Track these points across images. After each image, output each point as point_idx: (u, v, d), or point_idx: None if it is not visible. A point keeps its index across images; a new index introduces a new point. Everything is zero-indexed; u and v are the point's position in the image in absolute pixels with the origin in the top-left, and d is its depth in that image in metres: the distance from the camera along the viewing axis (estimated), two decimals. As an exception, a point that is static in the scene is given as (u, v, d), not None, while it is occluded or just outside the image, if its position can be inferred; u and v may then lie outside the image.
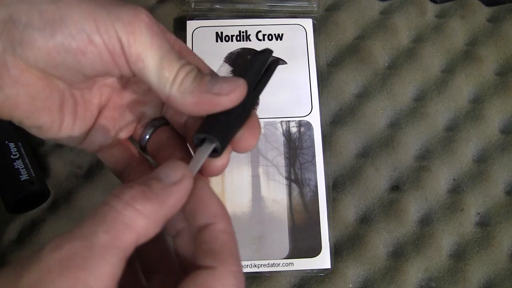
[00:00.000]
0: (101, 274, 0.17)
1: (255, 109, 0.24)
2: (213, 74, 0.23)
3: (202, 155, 0.22)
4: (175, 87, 0.22)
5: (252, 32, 0.41)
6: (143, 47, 0.21)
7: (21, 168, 0.36)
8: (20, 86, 0.21)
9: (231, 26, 0.41)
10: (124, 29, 0.20)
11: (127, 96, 0.26)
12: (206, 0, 0.43)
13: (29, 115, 0.22)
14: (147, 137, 0.26)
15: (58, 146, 0.39)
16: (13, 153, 0.36)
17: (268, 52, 0.25)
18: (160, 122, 0.26)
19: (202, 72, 0.23)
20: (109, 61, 0.21)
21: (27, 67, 0.21)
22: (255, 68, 0.24)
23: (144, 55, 0.21)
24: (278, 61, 0.26)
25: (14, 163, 0.36)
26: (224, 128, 0.22)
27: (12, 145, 0.36)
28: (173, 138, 0.26)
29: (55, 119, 0.23)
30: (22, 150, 0.37)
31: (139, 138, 0.26)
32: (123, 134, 0.26)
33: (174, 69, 0.22)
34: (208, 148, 0.22)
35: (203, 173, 0.23)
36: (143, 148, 0.26)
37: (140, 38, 0.21)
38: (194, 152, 0.24)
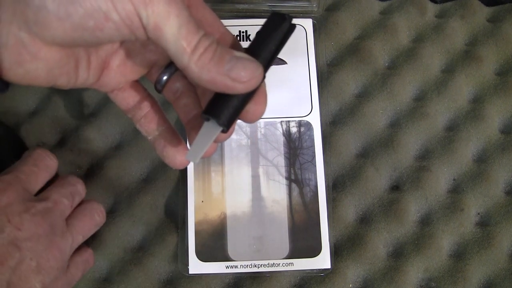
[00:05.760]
0: None
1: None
2: (233, 51, 0.23)
3: (208, 137, 0.23)
4: (193, 60, 0.22)
5: (252, 32, 0.41)
6: (161, 17, 0.21)
7: None
8: (39, 61, 0.22)
9: (231, 26, 0.41)
10: (142, 1, 0.20)
11: (139, 43, 0.26)
12: (206, 0, 0.43)
13: (47, 82, 0.23)
14: (165, 78, 0.27)
15: (58, 146, 0.39)
16: None
17: (288, 20, 0.25)
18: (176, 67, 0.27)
19: (222, 46, 0.23)
20: (127, 33, 0.21)
21: (44, 44, 0.21)
22: (273, 44, 0.24)
23: (162, 24, 0.21)
24: (294, 27, 0.25)
25: None
26: (232, 111, 0.23)
27: None
28: (190, 84, 0.27)
29: (71, 78, 0.24)
30: None
31: (155, 81, 0.27)
32: (134, 76, 0.27)
33: (193, 41, 0.22)
34: (214, 130, 0.23)
35: None
36: (159, 91, 0.27)
37: (158, 8, 0.21)
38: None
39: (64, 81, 0.24)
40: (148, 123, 0.28)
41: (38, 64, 0.22)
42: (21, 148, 0.39)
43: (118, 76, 0.26)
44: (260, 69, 0.23)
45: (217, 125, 0.23)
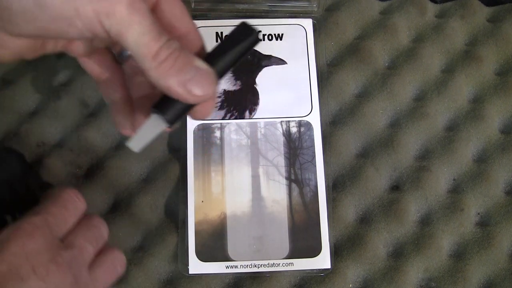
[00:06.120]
0: None
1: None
2: (194, 59, 0.24)
3: (153, 130, 0.25)
4: (153, 66, 0.23)
5: (252, 32, 0.41)
6: (122, 25, 0.22)
7: None
8: (5, 49, 0.23)
9: (231, 26, 0.41)
10: (104, 10, 0.21)
11: None
12: (206, 0, 0.43)
13: (14, 60, 0.25)
14: (127, 54, 0.28)
15: (58, 146, 0.39)
16: None
17: (254, 34, 0.26)
18: None
19: (184, 53, 0.23)
20: (90, 35, 0.22)
21: (11, 36, 0.22)
22: (235, 54, 0.26)
23: (124, 31, 0.22)
24: (258, 42, 0.27)
25: None
26: (181, 111, 0.25)
27: (9, 217, 0.35)
28: None
29: (38, 53, 0.25)
30: None
31: (118, 54, 0.28)
32: (101, 46, 0.28)
33: (154, 47, 0.22)
34: (160, 125, 0.25)
35: None
36: (120, 64, 0.29)
37: (120, 18, 0.21)
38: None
39: (30, 56, 0.25)
40: (107, 88, 0.29)
41: (5, 51, 0.23)
42: (35, 182, 0.38)
43: (85, 46, 0.27)
44: (214, 84, 0.24)
45: (163, 121, 0.25)
